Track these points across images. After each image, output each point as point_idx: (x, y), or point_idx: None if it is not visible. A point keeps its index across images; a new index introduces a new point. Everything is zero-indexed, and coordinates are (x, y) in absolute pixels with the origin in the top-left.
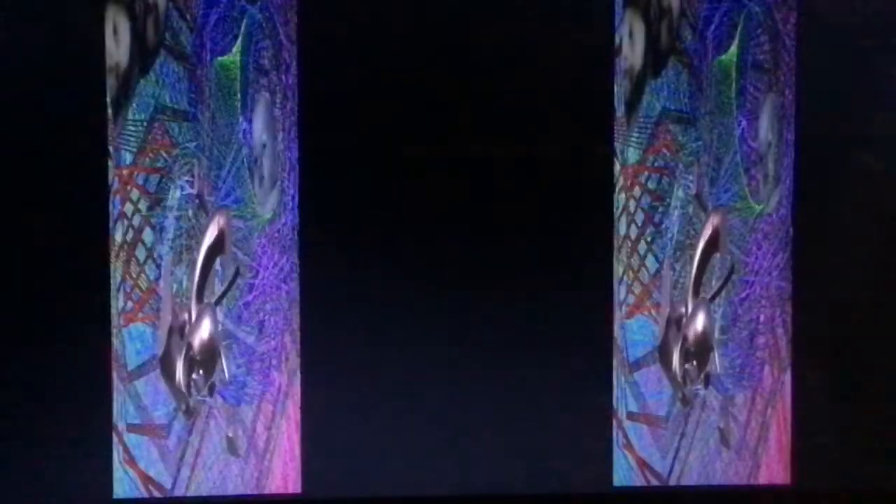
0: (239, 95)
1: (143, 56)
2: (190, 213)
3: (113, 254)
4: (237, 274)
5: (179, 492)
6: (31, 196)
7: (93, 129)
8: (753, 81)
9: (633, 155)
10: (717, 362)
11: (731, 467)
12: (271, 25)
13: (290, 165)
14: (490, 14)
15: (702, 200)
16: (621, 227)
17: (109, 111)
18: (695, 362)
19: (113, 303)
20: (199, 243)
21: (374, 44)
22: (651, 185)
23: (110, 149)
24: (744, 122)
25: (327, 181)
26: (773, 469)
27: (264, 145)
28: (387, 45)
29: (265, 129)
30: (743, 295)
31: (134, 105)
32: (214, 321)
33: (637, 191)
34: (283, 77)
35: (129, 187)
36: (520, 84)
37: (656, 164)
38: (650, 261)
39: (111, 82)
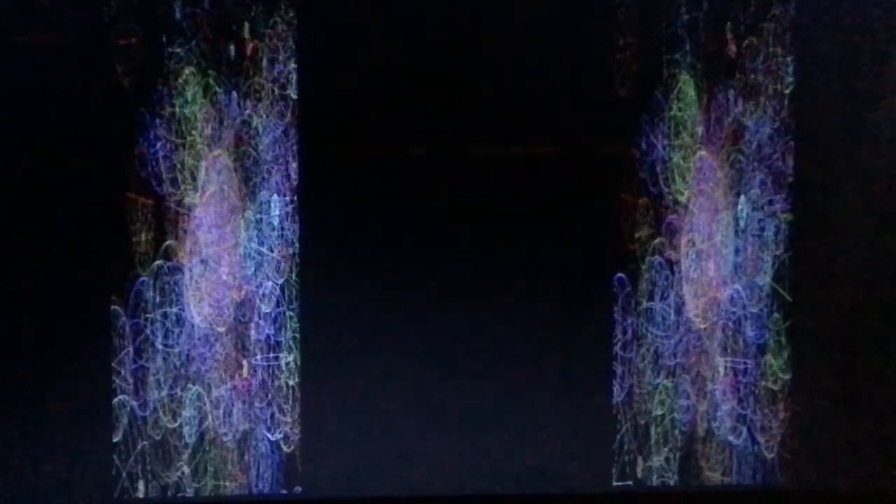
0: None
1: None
2: None
3: None
4: None
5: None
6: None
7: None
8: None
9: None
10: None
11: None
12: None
13: (292, 170)
14: (491, 14)
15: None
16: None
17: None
18: None
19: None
20: None
21: (373, 45)
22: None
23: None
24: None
25: (328, 185)
26: (773, 469)
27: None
28: (386, 45)
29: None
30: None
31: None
32: None
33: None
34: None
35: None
36: (521, 84)
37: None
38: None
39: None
